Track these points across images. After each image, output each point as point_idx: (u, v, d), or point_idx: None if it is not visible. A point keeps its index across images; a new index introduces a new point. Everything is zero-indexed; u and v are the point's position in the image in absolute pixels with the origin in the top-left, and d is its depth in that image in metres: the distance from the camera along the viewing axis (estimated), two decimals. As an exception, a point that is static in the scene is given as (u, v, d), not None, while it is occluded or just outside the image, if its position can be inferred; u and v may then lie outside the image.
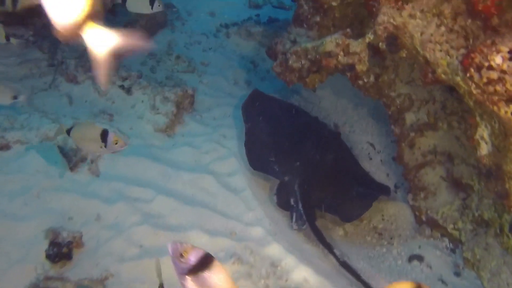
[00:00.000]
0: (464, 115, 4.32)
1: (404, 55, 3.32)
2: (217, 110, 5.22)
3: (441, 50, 3.06)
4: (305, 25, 4.17)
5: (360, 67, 3.57)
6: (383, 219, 4.71)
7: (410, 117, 4.58)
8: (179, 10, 6.92)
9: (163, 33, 6.44)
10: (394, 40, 3.16)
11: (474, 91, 2.77)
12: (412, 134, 4.52)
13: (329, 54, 3.63)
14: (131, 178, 4.16)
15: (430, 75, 3.19)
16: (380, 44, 3.31)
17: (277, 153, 4.38)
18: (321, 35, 4.17)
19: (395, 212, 4.75)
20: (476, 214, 4.20)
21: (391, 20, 3.14)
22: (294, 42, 4.12)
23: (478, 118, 3.18)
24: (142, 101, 4.89)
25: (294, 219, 4.01)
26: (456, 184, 4.35)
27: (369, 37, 3.45)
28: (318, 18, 4.13)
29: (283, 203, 4.16)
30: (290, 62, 3.94)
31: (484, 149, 3.22)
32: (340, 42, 3.57)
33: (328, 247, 3.82)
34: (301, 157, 4.33)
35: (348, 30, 3.70)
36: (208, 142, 4.68)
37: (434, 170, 4.52)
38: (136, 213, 3.86)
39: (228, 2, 7.34)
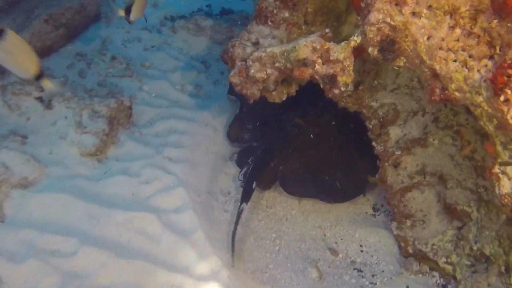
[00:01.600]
0: (460, 129, 3.59)
1: (402, 64, 2.51)
2: (160, 125, 4.29)
3: (455, 60, 2.25)
4: (269, 22, 3.28)
5: (343, 79, 2.74)
6: (361, 251, 3.99)
7: (395, 132, 3.86)
8: (115, 0, 5.85)
9: (96, 28, 5.40)
10: (390, 45, 2.33)
11: (510, 118, 1.97)
12: (398, 152, 3.73)
13: (303, 62, 2.78)
14: (47, 223, 3.21)
15: (438, 91, 2.38)
16: (371, 49, 2.47)
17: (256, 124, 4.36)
18: (291, 35, 3.30)
19: (375, 241, 4.03)
20: (475, 247, 3.54)
21: (388, 20, 2.31)
22: (256, 44, 3.22)
23: (499, 148, 2.41)
24: (66, 117, 3.89)
25: (242, 172, 4.06)
26: (450, 211, 3.67)
27: (355, 40, 2.61)
28: (286, 14, 3.26)
29: (241, 163, 4.19)
30: (252, 71, 3.06)
31: (507, 186, 2.45)
32: (318, 47, 2.72)
33: (238, 215, 3.58)
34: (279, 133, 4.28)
35: (327, 30, 2.86)
36: (149, 167, 3.74)
37: (423, 194, 3.87)
38: (53, 273, 2.92)
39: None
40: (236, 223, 3.52)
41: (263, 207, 4.11)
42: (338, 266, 3.83)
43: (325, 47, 2.78)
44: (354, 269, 3.82)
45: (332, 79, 2.80)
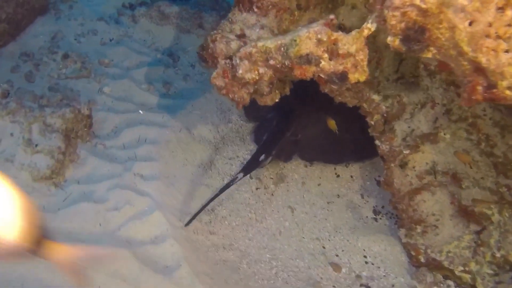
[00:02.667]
0: (476, 122, 3.14)
1: (430, 55, 1.97)
2: (127, 134, 3.68)
3: (508, 51, 1.71)
4: (255, 9, 2.71)
5: (355, 76, 2.23)
6: (366, 262, 3.55)
7: (401, 128, 3.40)
8: (64, -13, 5.12)
9: (44, 22, 4.69)
10: (419, 33, 1.80)
11: None
12: (406, 151, 3.25)
13: (306, 59, 2.25)
14: (-6, 274, 2.56)
15: (481, 89, 1.88)
16: (391, 39, 1.93)
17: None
18: (282, 24, 2.76)
19: (380, 250, 3.60)
20: (498, 254, 3.15)
21: (417, 2, 1.74)
22: (242, 37, 2.66)
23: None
24: (12, 134, 3.24)
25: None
26: (466, 214, 3.26)
27: (369, 27, 2.07)
28: None
29: (258, 139, 4.05)
30: (240, 71, 2.50)
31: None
32: (324, 38, 2.18)
33: (228, 184, 3.42)
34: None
35: (332, 17, 2.29)
36: (117, 189, 3.16)
37: (434, 195, 3.39)
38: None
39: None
40: (221, 190, 3.33)
41: (253, 221, 3.58)
42: (343, 283, 3.36)
43: (332, 38, 2.23)
44: (361, 285, 3.36)
45: (342, 77, 2.27)
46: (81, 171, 3.30)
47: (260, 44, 2.46)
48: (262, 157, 3.62)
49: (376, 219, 3.81)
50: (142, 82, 4.30)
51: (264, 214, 3.68)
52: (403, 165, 3.40)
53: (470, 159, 3.20)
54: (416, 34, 1.88)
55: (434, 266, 3.32)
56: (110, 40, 4.69)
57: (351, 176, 4.14)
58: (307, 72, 2.35)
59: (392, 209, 3.64)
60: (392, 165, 3.39)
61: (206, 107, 4.22)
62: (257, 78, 2.52)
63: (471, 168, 3.26)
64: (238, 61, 2.53)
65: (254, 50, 2.47)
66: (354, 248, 3.56)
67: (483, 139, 3.14)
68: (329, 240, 3.62)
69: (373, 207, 3.88)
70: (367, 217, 3.80)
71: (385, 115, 3.32)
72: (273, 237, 3.54)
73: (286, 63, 2.39)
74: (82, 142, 3.52)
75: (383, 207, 3.86)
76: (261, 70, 2.50)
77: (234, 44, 2.60)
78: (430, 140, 3.30)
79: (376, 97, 3.29)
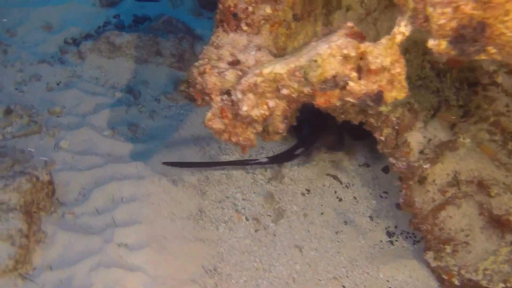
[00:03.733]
0: (499, 120, 2.89)
1: (485, 57, 1.60)
2: (98, 194, 3.16)
3: None
4: (244, 27, 2.28)
5: (392, 95, 1.82)
6: (393, 294, 3.15)
7: (416, 139, 3.05)
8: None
9: (-26, 73, 4.03)
10: (478, 31, 1.41)
11: None
12: (426, 165, 2.92)
13: (333, 82, 1.83)
14: None
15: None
16: (434, 43, 1.55)
17: None
18: (278, 41, 2.31)
19: (406, 278, 3.28)
20: (542, 263, 2.79)
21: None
22: (235, 64, 2.21)
23: None
24: (-44, 222, 2.62)
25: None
26: (499, 224, 2.96)
27: (403, 31, 1.69)
28: (267, 9, 2.27)
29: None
30: (244, 108, 2.06)
31: None
32: (352, 53, 1.77)
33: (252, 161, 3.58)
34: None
35: (351, 24, 1.89)
36: (100, 269, 2.63)
37: (460, 209, 3.07)
38: None
39: (66, 4, 5.01)
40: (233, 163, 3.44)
41: (261, 272, 3.14)
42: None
43: (360, 51, 1.81)
44: (394, 322, 2.99)
45: (377, 98, 1.86)
46: (52, 253, 2.74)
47: (266, 71, 2.01)
48: (299, 151, 3.52)
49: (392, 242, 3.48)
50: (103, 128, 3.75)
51: (271, 261, 3.25)
52: (422, 181, 3.09)
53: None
54: (473, 33, 1.49)
55: (470, 287, 2.96)
56: (58, 84, 4.11)
57: (355, 198, 3.79)
58: (332, 98, 1.93)
59: (414, 230, 3.31)
60: (411, 182, 3.06)
61: (183, 146, 3.73)
62: (267, 114, 2.08)
63: (498, 166, 2.96)
64: (240, 96, 2.07)
65: (259, 79, 2.02)
66: (376, 281, 3.20)
67: (509, 138, 2.84)
68: (347, 277, 3.24)
69: (386, 228, 3.55)
70: (381, 241, 3.46)
71: (396, 127, 2.98)
72: (287, 286, 3.11)
73: (306, 91, 1.96)
74: (46, 214, 2.95)
75: (396, 227, 3.55)
76: (271, 104, 2.06)
77: (230, 75, 2.14)
78: (449, 148, 2.98)
79: (383, 109, 2.94)
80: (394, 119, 2.93)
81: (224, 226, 3.38)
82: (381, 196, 3.74)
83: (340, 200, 3.73)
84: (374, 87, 1.88)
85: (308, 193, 3.77)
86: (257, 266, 3.18)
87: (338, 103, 1.98)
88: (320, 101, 2.00)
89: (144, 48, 4.30)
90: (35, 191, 2.91)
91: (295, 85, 2.00)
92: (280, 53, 2.42)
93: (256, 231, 3.41)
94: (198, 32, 4.78)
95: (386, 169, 3.90)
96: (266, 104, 2.08)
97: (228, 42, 2.29)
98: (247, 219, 3.47)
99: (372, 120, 3.05)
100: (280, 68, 2.01)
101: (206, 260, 3.03)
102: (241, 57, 2.23)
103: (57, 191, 3.13)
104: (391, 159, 3.03)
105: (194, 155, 3.73)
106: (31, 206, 2.86)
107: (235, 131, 2.19)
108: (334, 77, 1.92)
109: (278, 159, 3.62)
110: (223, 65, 2.22)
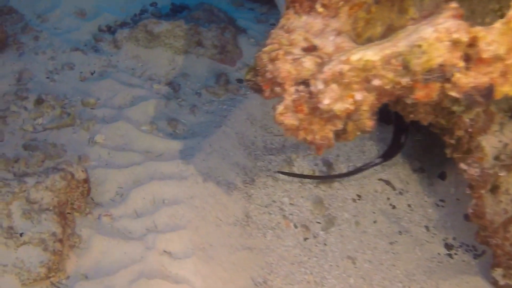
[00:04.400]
0: None
1: None
2: (137, 195, 2.88)
3: None
4: (320, 9, 1.96)
5: (504, 89, 1.48)
6: (460, 317, 2.83)
7: (490, 144, 2.76)
8: (24, 15, 4.23)
9: (4, 61, 3.81)
10: None
11: None
12: (503, 173, 2.58)
13: (439, 71, 1.49)
14: None
15: None
16: None
17: None
18: (356, 26, 1.99)
19: None
20: None
21: None
22: (312, 50, 1.88)
23: None
24: (-16, 222, 2.35)
25: None
26: None
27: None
28: None
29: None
30: (326, 100, 1.74)
31: None
32: (464, 38, 1.44)
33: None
34: None
35: (455, 5, 1.56)
36: (142, 280, 2.35)
37: (535, 220, 2.70)
38: None
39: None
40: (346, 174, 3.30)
41: (312, 285, 2.86)
42: None
43: (471, 36, 1.48)
44: None
45: (486, 93, 1.53)
46: (87, 260, 2.46)
47: (355, 57, 1.68)
48: (403, 138, 3.29)
49: (451, 255, 3.18)
50: (141, 122, 3.46)
51: (323, 273, 2.94)
52: (494, 190, 2.77)
53: None
54: None
55: (551, 309, 2.67)
56: (92, 74, 3.84)
57: (409, 205, 3.47)
58: (433, 91, 1.60)
59: (481, 244, 2.99)
60: (483, 191, 2.73)
61: (227, 144, 3.42)
62: (351, 108, 1.75)
63: None
64: (321, 87, 1.75)
65: (346, 67, 1.69)
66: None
67: None
68: (406, 292, 2.91)
69: (443, 240, 3.25)
70: (439, 254, 3.16)
71: (469, 130, 2.65)
72: (342, 302, 2.79)
73: (404, 82, 1.63)
74: (81, 216, 2.67)
75: (454, 238, 3.24)
76: (358, 96, 1.73)
77: (308, 62, 1.82)
78: (522, 151, 2.65)
79: (457, 108, 2.61)
80: (467, 120, 2.62)
81: (272, 234, 3.08)
82: (437, 205, 3.44)
83: (394, 207, 3.43)
84: (485, 79, 1.55)
85: (359, 199, 3.47)
86: (308, 278, 2.89)
87: (437, 92, 1.66)
88: (420, 95, 1.68)
89: (184, 38, 4.02)
90: (69, 190, 2.63)
91: (390, 75, 1.67)
92: (357, 42, 2.10)
93: (305, 239, 3.11)
94: (240, 23, 4.47)
95: (442, 175, 3.60)
96: (352, 97, 1.75)
97: (301, 26, 1.97)
98: (295, 226, 3.18)
99: (442, 121, 2.73)
100: (372, 54, 1.68)
101: (255, 272, 2.73)
102: (317, 42, 1.91)
103: (93, 190, 2.85)
104: (462, 165, 2.72)
105: (239, 154, 3.42)
106: (65, 206, 2.59)
107: (311, 128, 1.87)
108: (441, 66, 1.59)
109: (390, 155, 3.38)
110: (297, 51, 1.90)
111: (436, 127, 2.81)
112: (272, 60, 1.88)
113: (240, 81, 3.97)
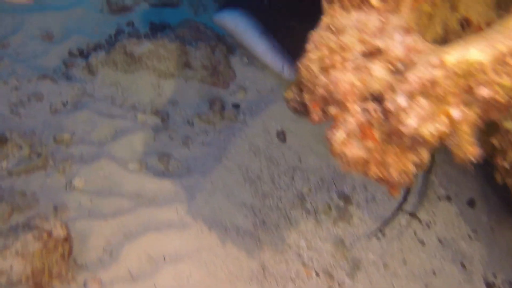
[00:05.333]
0: None
1: None
2: (130, 251, 2.39)
3: None
4: (375, 1, 1.49)
5: None
6: None
7: None
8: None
9: (-43, 94, 3.24)
10: None
11: None
12: None
13: None
14: None
15: None
16: None
17: None
18: (420, 22, 1.56)
19: None
20: None
21: None
22: (375, 54, 1.42)
23: None
24: None
25: None
26: None
27: None
28: None
29: None
30: (411, 120, 1.32)
31: None
32: None
33: None
34: None
35: None
36: None
37: None
38: None
39: (68, 10, 4.25)
40: None
41: None
42: None
43: None
44: None
45: None
46: None
47: (451, 59, 1.26)
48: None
49: (496, 290, 2.79)
50: (127, 160, 2.97)
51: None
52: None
53: None
54: None
55: None
56: (64, 105, 3.33)
57: (439, 240, 3.08)
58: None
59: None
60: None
61: (230, 181, 2.96)
62: (446, 131, 1.31)
63: None
64: (403, 102, 1.31)
65: (440, 73, 1.26)
66: None
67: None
68: None
69: (483, 278, 2.91)
70: (480, 292, 2.76)
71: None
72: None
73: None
74: (63, 285, 2.14)
75: (495, 275, 2.92)
76: (456, 113, 1.30)
77: (378, 70, 1.38)
78: None
79: (510, 125, 2.26)
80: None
81: (293, 286, 2.62)
82: (470, 236, 3.10)
83: (423, 243, 3.05)
84: None
85: (383, 237, 3.06)
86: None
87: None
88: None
89: (169, 59, 3.56)
90: (46, 252, 2.11)
91: (507, 81, 1.25)
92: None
93: (330, 288, 2.66)
94: (229, 40, 4.04)
95: (471, 203, 3.27)
96: (448, 114, 1.32)
97: (352, 25, 1.54)
98: (317, 274, 2.74)
99: (494, 140, 2.36)
100: (478, 53, 1.25)
101: None
102: (380, 44, 1.48)
103: (74, 248, 2.33)
104: (516, 192, 2.34)
105: (245, 192, 2.96)
106: (41, 275, 2.06)
107: (384, 160, 1.42)
108: None
109: None
110: (355, 56, 1.47)
111: (484, 148, 2.43)
112: (326, 69, 1.44)
113: (236, 106, 3.52)
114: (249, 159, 3.17)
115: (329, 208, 3.14)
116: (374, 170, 1.43)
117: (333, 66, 1.42)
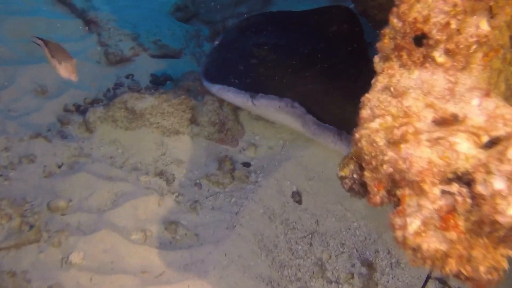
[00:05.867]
0: None
1: None
2: None
3: None
4: (440, 57, 1.29)
5: None
6: None
7: None
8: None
9: None
10: None
11: None
12: None
13: None
14: None
15: None
16: None
17: None
18: (490, 80, 1.33)
19: None
20: None
21: None
22: (450, 123, 1.19)
23: None
24: None
25: None
26: None
27: None
28: (483, 25, 1.32)
29: None
30: (510, 210, 1.00)
31: None
32: None
33: None
34: None
35: None
36: None
37: None
38: None
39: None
40: None
41: None
42: None
43: None
44: None
45: None
46: None
47: None
48: None
49: None
50: (130, 229, 2.69)
51: None
52: None
53: None
54: None
55: None
56: (59, 167, 3.07)
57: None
58: None
59: None
60: None
61: (245, 251, 2.69)
62: None
63: None
64: (501, 185, 1.07)
65: None
66: None
67: None
68: None
69: None
70: None
71: None
72: None
73: None
74: None
75: None
76: None
77: (463, 144, 1.14)
78: None
79: None
80: None
81: None
82: None
83: (446, 291, 2.76)
84: None
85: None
86: None
87: None
88: None
89: (174, 115, 3.34)
90: None
91: None
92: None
93: None
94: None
95: None
96: None
97: (414, 85, 1.33)
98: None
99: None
100: None
101: None
102: (453, 110, 1.26)
103: None
104: None
105: (261, 263, 2.68)
106: None
107: (470, 255, 1.17)
108: None
109: None
110: (426, 125, 1.24)
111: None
112: (394, 143, 1.20)
113: (247, 164, 3.28)
114: (264, 225, 2.91)
115: (352, 276, 2.88)
116: (454, 266, 1.19)
117: (404, 139, 1.18)
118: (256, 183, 3.15)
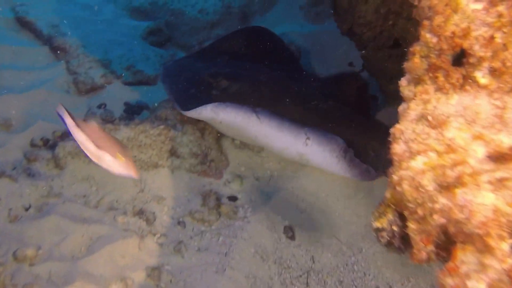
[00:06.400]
0: None
1: None
2: None
3: None
4: (483, 77, 1.11)
5: None
6: None
7: None
8: None
9: None
10: None
11: None
12: None
13: None
14: None
15: None
16: None
17: None
18: None
19: None
20: None
21: None
22: (504, 159, 0.99)
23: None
24: None
25: None
26: None
27: None
28: None
29: None
30: None
31: None
32: None
33: None
34: None
35: None
36: None
37: None
38: None
39: (30, 92, 3.82)
40: None
41: None
42: None
43: None
44: None
45: None
46: None
47: None
48: None
49: None
50: (108, 278, 2.43)
51: None
52: None
53: None
54: None
55: None
56: (26, 210, 2.80)
57: None
58: None
59: None
60: None
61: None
62: None
63: None
64: None
65: None
66: None
67: None
68: None
69: None
70: None
71: None
72: None
73: None
74: None
75: None
76: None
77: None
78: None
79: None
80: None
81: None
82: None
83: None
84: None
85: None
86: None
87: None
88: None
89: (152, 147, 3.11)
90: None
91: None
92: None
93: None
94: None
95: None
96: None
97: (455, 112, 1.14)
98: None
99: None
100: None
101: None
102: (509, 141, 1.07)
103: None
104: None
105: (257, 309, 2.45)
106: None
107: None
108: None
109: None
110: (479, 163, 1.05)
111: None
112: (449, 187, 1.00)
113: (233, 198, 3.07)
114: (256, 266, 2.69)
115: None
116: None
117: (460, 182, 0.99)
118: (245, 218, 2.94)
